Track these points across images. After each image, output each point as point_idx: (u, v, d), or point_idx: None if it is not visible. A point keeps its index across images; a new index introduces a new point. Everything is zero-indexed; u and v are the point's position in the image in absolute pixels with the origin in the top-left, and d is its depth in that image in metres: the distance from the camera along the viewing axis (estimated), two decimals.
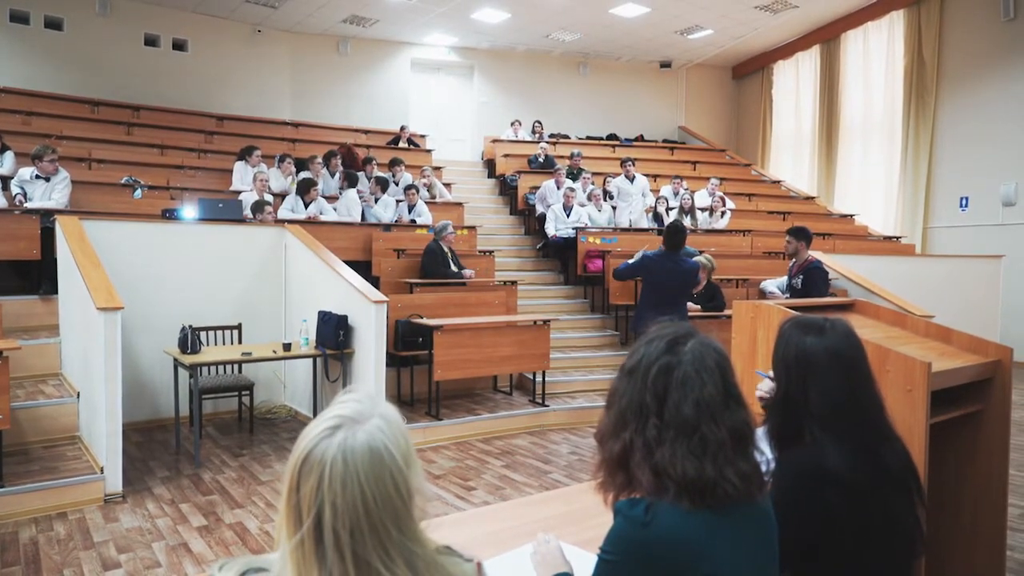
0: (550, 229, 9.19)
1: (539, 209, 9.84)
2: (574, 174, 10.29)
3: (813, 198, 12.45)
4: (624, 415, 1.28)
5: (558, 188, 9.60)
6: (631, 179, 10.14)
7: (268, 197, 7.49)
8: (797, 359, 1.69)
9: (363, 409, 0.94)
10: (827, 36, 13.00)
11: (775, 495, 1.39)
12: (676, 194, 9.96)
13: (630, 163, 10.29)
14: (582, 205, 9.43)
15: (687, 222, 9.39)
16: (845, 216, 11.50)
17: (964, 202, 10.73)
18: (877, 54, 12.21)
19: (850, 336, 1.72)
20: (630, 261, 5.93)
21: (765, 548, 1.31)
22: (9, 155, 7.00)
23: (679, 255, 5.71)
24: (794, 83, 14.03)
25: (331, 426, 0.91)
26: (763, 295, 7.40)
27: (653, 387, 1.26)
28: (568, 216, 9.14)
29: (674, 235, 5.64)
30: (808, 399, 1.65)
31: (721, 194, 10.18)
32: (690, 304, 6.71)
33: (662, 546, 1.20)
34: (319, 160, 8.74)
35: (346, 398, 0.96)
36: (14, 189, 6.37)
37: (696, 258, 6.56)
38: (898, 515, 1.64)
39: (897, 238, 10.67)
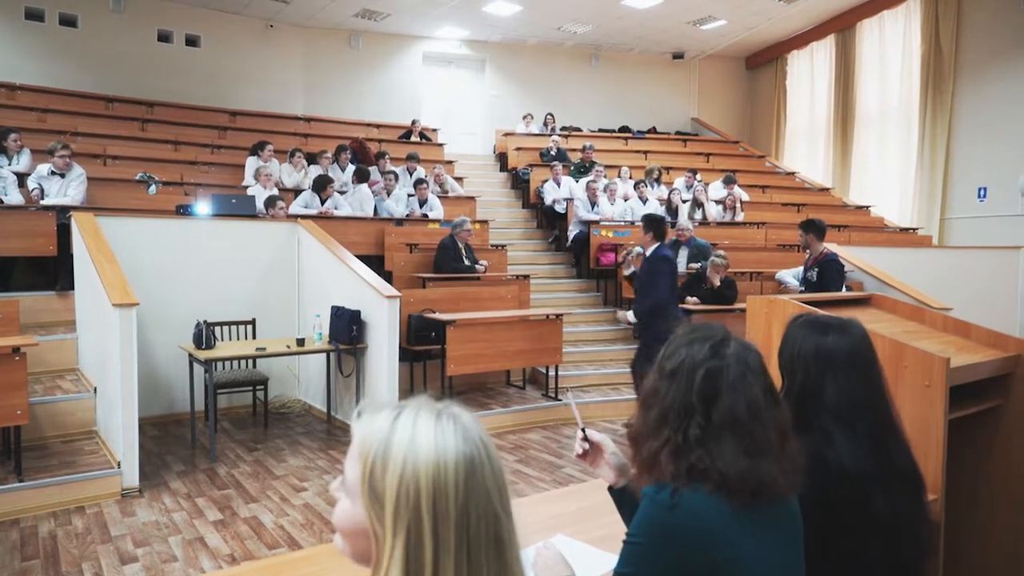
0: (579, 216, 9.08)
1: (546, 202, 9.83)
2: (586, 168, 10.24)
3: (828, 189, 12.34)
4: (666, 414, 1.30)
5: (558, 186, 9.62)
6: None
7: (274, 191, 7.49)
8: (817, 356, 1.71)
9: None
10: (842, 25, 12.83)
11: None
12: (689, 187, 9.88)
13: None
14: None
15: (698, 215, 9.34)
16: (860, 207, 11.37)
17: (982, 193, 10.58)
18: (893, 43, 12.04)
19: (866, 336, 1.76)
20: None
21: (791, 546, 1.33)
22: (26, 152, 7.06)
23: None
24: (809, 73, 13.88)
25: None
26: (780, 286, 7.34)
27: (700, 389, 1.28)
28: (592, 209, 9.09)
29: (661, 224, 5.62)
30: (824, 394, 1.67)
31: (738, 188, 10.06)
32: (693, 299, 6.73)
33: (687, 529, 1.22)
34: (328, 155, 8.76)
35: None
36: (31, 185, 6.42)
37: (712, 257, 6.87)
38: (904, 511, 1.65)
39: (914, 229, 10.55)
